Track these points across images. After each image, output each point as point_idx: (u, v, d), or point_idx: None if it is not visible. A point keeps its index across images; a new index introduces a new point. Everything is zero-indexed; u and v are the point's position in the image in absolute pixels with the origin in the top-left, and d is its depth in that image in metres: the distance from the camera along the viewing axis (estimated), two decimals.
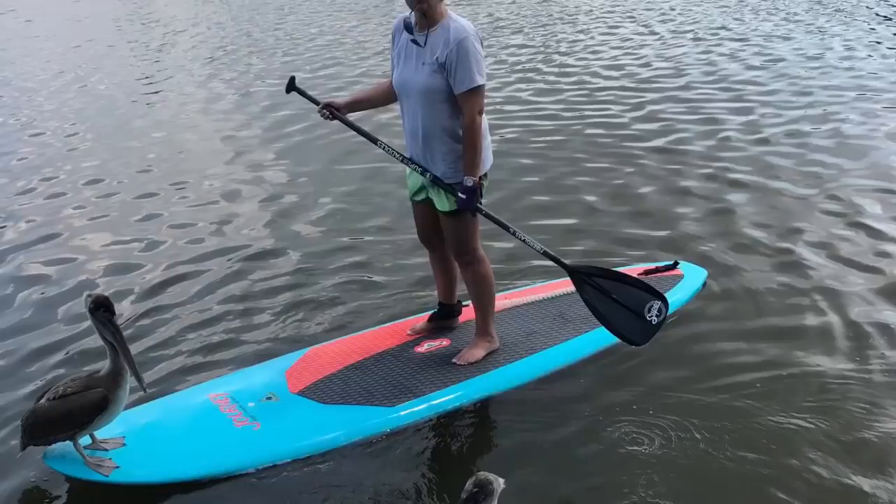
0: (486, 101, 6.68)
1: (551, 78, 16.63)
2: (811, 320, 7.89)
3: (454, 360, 7.25)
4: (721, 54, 17.69)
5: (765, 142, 12.46)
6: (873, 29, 19.43)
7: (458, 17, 6.56)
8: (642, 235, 9.76)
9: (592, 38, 20.15)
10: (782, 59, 16.94)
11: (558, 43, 19.75)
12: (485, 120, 6.69)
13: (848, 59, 16.84)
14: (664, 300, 6.77)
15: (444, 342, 7.57)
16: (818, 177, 11.11)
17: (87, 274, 9.63)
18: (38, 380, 7.55)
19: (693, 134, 12.95)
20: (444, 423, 6.80)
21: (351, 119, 7.16)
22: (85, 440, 6.17)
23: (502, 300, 7.82)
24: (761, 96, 14.61)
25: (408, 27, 6.66)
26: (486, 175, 6.84)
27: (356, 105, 7.22)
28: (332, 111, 7.02)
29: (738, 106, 14.16)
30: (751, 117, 13.55)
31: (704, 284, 8.39)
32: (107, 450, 6.26)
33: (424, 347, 7.51)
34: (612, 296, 6.76)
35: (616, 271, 7.16)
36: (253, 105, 16.32)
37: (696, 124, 13.36)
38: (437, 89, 6.53)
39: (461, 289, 7.54)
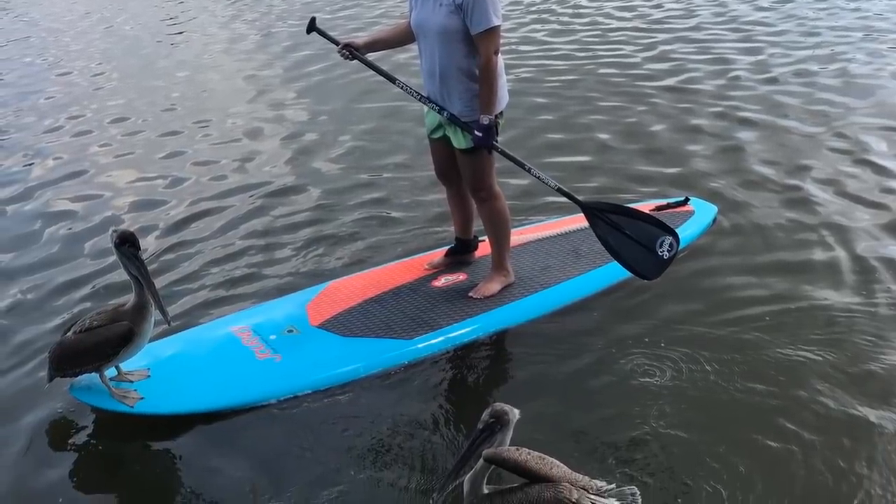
0: (501, 41, 6.60)
1: (565, 19, 16.47)
2: (818, 255, 7.84)
3: (470, 294, 7.22)
4: None
5: (773, 81, 12.33)
6: None
7: None
8: (654, 172, 9.68)
9: None
10: (790, 1, 16.73)
11: None
12: (500, 60, 6.62)
13: (854, 0, 16.65)
14: (675, 235, 6.70)
15: (461, 276, 7.53)
16: (825, 115, 11.00)
17: (112, 210, 9.62)
18: (64, 313, 7.57)
19: (703, 73, 12.82)
20: (461, 355, 6.78)
21: (370, 59, 7.09)
22: (111, 372, 6.17)
23: (517, 235, 7.75)
24: (770, 37, 14.43)
25: None
26: (501, 113, 6.79)
27: (375, 45, 7.15)
28: (352, 51, 6.96)
29: (747, 46, 14.00)
30: (759, 57, 13.40)
31: (714, 220, 8.33)
32: (132, 381, 6.26)
33: (442, 282, 7.48)
34: (624, 231, 6.70)
35: (628, 207, 7.09)
36: (274, 45, 16.23)
37: (706, 64, 13.22)
38: (453, 30, 6.44)
39: (477, 224, 7.50)
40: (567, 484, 4.84)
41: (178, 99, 13.43)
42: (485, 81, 6.51)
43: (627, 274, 6.97)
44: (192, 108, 13.00)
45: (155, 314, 6.04)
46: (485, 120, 6.54)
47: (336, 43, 7.05)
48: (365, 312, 7.11)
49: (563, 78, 12.98)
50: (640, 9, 16.82)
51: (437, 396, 6.36)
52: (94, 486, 5.78)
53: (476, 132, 6.58)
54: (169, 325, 6.45)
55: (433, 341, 6.77)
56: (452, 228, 7.79)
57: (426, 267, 7.70)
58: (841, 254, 7.80)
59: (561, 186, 6.92)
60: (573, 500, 4.77)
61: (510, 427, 4.97)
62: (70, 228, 9.21)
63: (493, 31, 6.41)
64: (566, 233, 8.05)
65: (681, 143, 10.42)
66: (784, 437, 5.66)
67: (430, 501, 5.19)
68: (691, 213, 8.21)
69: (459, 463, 5.00)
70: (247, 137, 11.65)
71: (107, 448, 6.07)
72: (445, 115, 6.73)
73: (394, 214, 9.08)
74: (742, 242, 8.11)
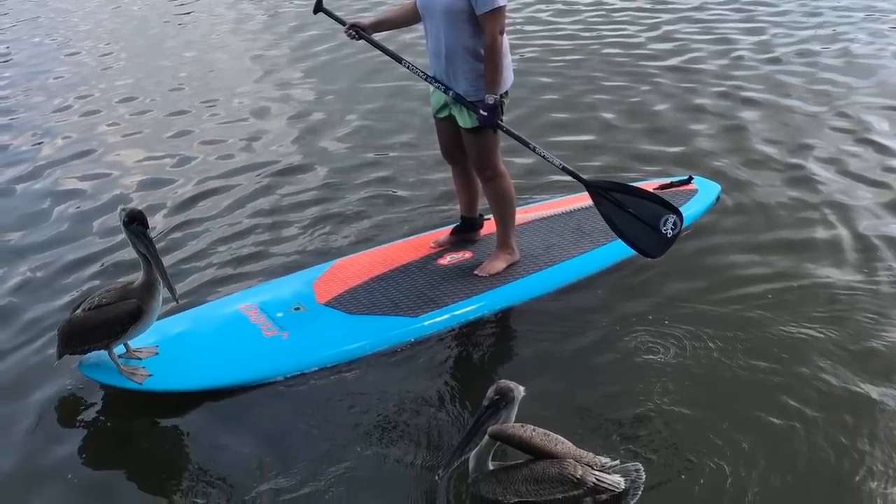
0: (506, 21, 6.57)
1: None
2: (821, 233, 7.83)
3: (476, 272, 7.21)
4: None
5: (776, 61, 12.30)
6: None
7: None
8: (657, 151, 9.66)
9: None
10: None
11: None
12: (505, 40, 6.60)
13: None
14: (679, 214, 6.68)
15: (466, 255, 7.52)
16: (827, 95, 10.98)
17: (121, 189, 9.60)
18: (73, 291, 7.56)
19: (706, 53, 12.78)
20: (466, 332, 6.78)
21: (376, 39, 7.07)
22: (119, 349, 6.18)
23: (522, 214, 7.74)
24: (772, 17, 14.38)
25: None
26: (506, 93, 6.78)
27: (381, 25, 7.13)
28: (358, 31, 6.95)
29: (750, 26, 13.95)
30: (762, 37, 13.36)
31: (718, 199, 8.32)
32: (140, 358, 6.27)
33: (447, 260, 7.46)
34: (628, 209, 6.67)
35: (632, 186, 7.07)
36: (281, 25, 16.18)
37: (709, 44, 13.18)
38: (459, 10, 6.42)
39: (482, 203, 7.49)
40: (572, 460, 4.85)
41: (186, 79, 13.39)
42: (490, 61, 6.49)
43: (631, 252, 6.95)
44: (199, 87, 12.96)
45: (163, 292, 6.04)
46: (490, 99, 6.54)
47: (343, 23, 7.04)
48: (371, 290, 7.10)
49: (567, 58, 12.94)
50: None
51: (443, 373, 6.36)
52: (102, 462, 5.78)
53: (481, 111, 6.58)
54: (177, 302, 6.43)
55: (439, 319, 6.76)
56: (458, 207, 7.78)
57: (432, 245, 7.68)
58: (843, 232, 7.79)
59: (565, 165, 6.89)
60: (577, 476, 4.78)
61: (515, 404, 4.98)
62: (79, 207, 9.20)
63: (498, 12, 6.38)
64: (571, 211, 8.03)
65: (684, 123, 10.40)
66: (787, 414, 5.66)
67: (436, 477, 5.21)
68: (695, 191, 8.18)
69: (465, 439, 5.02)
70: (254, 117, 11.63)
71: (115, 425, 6.07)
72: (451, 94, 6.71)
73: (400, 193, 9.06)
74: (745, 221, 8.09)
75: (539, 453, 4.91)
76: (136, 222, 5.81)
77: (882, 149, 9.38)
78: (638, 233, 6.72)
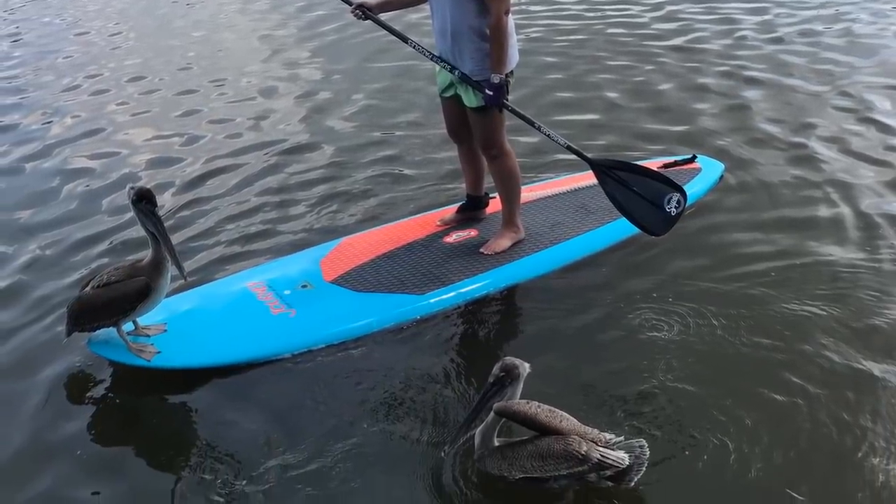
0: (512, 1, 6.53)
1: None
2: (823, 212, 7.81)
3: (481, 250, 7.19)
4: None
5: (779, 41, 12.26)
6: None
7: None
8: (661, 130, 9.64)
9: None
10: None
11: None
12: (511, 19, 6.55)
13: None
14: (682, 192, 6.64)
15: (472, 233, 7.50)
16: (830, 74, 10.95)
17: (129, 167, 9.58)
18: (82, 269, 7.55)
19: (710, 33, 12.74)
20: (472, 310, 6.77)
21: (382, 19, 7.03)
22: (128, 326, 6.15)
23: (527, 192, 7.68)
24: None
25: None
26: (512, 72, 6.74)
27: (388, 5, 7.10)
28: (365, 11, 6.91)
29: (753, 6, 13.91)
30: (765, 17, 13.32)
31: (721, 177, 8.28)
32: (149, 336, 6.25)
33: (453, 238, 7.44)
34: (632, 188, 6.64)
35: (636, 164, 7.03)
36: (288, 5, 16.14)
37: (712, 24, 13.14)
38: None
39: (488, 181, 7.46)
40: (576, 436, 4.83)
41: (194, 58, 13.37)
42: (495, 41, 6.45)
43: (635, 230, 6.92)
44: (207, 67, 12.94)
45: (172, 270, 6.02)
46: (495, 79, 6.50)
47: (349, 3, 6.99)
48: (378, 268, 7.08)
49: (571, 37, 12.91)
50: None
51: (449, 351, 6.34)
52: (111, 438, 5.77)
53: (487, 91, 6.55)
54: (185, 280, 6.42)
55: (445, 296, 6.74)
56: (464, 185, 7.75)
57: (438, 223, 7.66)
58: (845, 210, 7.77)
59: (570, 144, 6.86)
60: (582, 452, 4.75)
61: (520, 381, 4.96)
62: (88, 185, 9.18)
63: None
64: (575, 189, 8.01)
65: (688, 102, 10.37)
66: (789, 391, 5.64)
67: (442, 454, 5.19)
68: (698, 170, 8.15)
69: (471, 416, 5.00)
70: (261, 96, 11.61)
71: (124, 401, 6.07)
72: (457, 73, 6.69)
73: (406, 172, 9.04)
74: (748, 199, 8.07)
75: (544, 430, 4.89)
76: (144, 200, 5.79)
77: (884, 128, 9.35)
78: (642, 211, 6.69)
